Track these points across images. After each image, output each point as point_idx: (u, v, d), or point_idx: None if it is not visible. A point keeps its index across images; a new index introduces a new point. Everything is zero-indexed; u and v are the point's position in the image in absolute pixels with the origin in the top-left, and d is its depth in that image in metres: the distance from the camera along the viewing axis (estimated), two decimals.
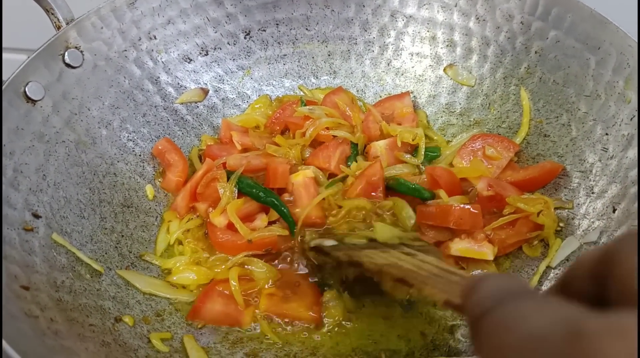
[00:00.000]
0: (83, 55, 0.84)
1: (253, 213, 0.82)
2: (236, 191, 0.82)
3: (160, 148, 0.89)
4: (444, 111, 0.95)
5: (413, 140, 0.87)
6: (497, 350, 0.27)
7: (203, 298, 0.75)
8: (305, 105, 0.92)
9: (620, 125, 0.75)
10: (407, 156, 0.87)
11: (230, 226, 0.80)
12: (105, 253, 0.78)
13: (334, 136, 0.89)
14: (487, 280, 0.33)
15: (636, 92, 0.73)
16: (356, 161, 0.87)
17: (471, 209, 0.75)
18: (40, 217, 0.73)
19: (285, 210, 0.80)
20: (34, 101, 0.77)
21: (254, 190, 0.82)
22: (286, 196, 0.83)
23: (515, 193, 0.78)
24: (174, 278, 0.78)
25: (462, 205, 0.76)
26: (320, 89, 0.99)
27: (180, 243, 0.83)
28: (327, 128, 0.88)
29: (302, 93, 0.99)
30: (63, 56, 0.81)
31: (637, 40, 0.72)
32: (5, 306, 0.59)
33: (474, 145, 0.87)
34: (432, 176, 0.82)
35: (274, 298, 0.76)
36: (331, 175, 0.87)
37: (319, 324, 0.74)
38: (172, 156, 0.89)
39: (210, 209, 0.82)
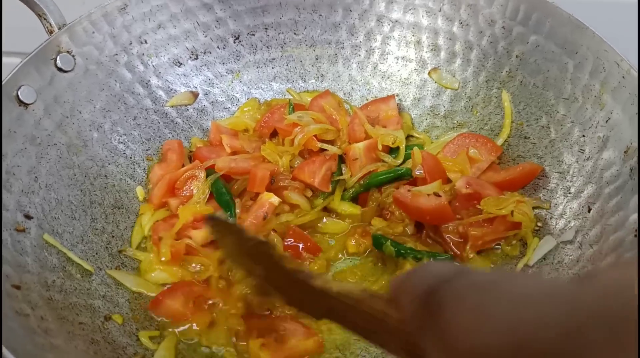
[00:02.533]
0: (75, 59, 0.86)
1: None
2: (208, 190, 0.84)
3: (168, 145, 0.93)
4: (428, 114, 0.97)
5: (393, 143, 0.89)
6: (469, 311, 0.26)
7: (166, 293, 0.76)
8: (293, 109, 0.94)
9: (596, 127, 0.77)
10: (388, 157, 0.89)
11: (194, 225, 0.81)
12: (96, 254, 0.80)
13: (322, 150, 0.90)
14: (419, 269, 0.33)
15: (611, 95, 0.76)
16: (342, 172, 0.90)
17: (440, 203, 0.77)
18: (32, 218, 0.75)
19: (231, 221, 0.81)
20: (26, 105, 0.79)
21: (217, 189, 0.84)
22: (248, 203, 0.85)
23: (494, 191, 0.80)
24: (152, 275, 0.80)
25: (430, 198, 0.78)
26: (308, 92, 1.01)
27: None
28: (316, 136, 0.90)
29: (290, 96, 1.01)
30: (55, 60, 0.83)
31: (637, 70, 0.73)
32: None
33: (459, 143, 0.89)
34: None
35: (270, 346, 0.72)
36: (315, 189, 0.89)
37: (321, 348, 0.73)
38: (171, 156, 0.91)
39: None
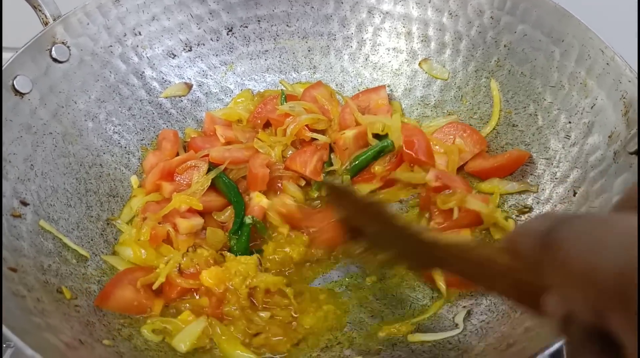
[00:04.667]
0: (70, 50, 0.87)
1: (214, 209, 0.85)
2: (207, 185, 0.85)
3: (163, 134, 0.94)
4: (419, 104, 0.98)
5: (382, 131, 0.90)
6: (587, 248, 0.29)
7: (114, 283, 0.74)
8: (285, 99, 0.96)
9: (582, 113, 0.79)
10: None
11: (182, 214, 0.82)
12: (91, 240, 0.81)
13: (313, 139, 0.92)
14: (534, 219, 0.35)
15: (596, 82, 0.77)
16: (332, 162, 0.92)
17: None
18: (28, 204, 0.77)
19: (239, 220, 0.82)
20: (21, 94, 0.80)
21: (228, 190, 0.85)
22: (246, 198, 0.86)
23: (463, 184, 0.82)
24: (124, 250, 0.81)
25: None
26: (300, 84, 1.03)
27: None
28: (307, 126, 0.92)
29: (283, 88, 1.02)
30: (50, 50, 0.84)
31: (637, 71, 0.73)
32: None
33: (448, 132, 0.91)
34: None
35: None
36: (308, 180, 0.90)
37: None
38: (166, 145, 0.92)
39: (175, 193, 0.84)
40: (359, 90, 1.01)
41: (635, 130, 0.70)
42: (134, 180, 0.90)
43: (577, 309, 0.31)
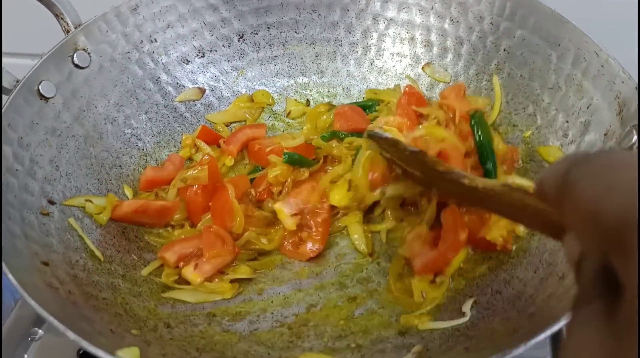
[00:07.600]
0: (90, 56, 0.91)
1: None
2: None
3: (171, 157, 0.97)
4: None
5: None
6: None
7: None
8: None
9: (578, 113, 0.84)
10: None
11: None
12: (113, 237, 0.85)
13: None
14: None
15: (591, 83, 0.82)
16: None
17: None
18: (55, 203, 0.80)
19: None
20: (46, 99, 0.84)
21: None
22: None
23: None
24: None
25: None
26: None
27: None
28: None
29: (291, 95, 1.06)
30: (72, 57, 0.89)
31: (637, 81, 0.77)
32: (29, 278, 0.66)
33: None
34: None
35: None
36: None
37: None
38: (168, 166, 0.95)
39: None
40: (363, 95, 1.06)
41: (629, 128, 0.75)
42: (128, 189, 0.92)
43: (587, 249, 0.33)
